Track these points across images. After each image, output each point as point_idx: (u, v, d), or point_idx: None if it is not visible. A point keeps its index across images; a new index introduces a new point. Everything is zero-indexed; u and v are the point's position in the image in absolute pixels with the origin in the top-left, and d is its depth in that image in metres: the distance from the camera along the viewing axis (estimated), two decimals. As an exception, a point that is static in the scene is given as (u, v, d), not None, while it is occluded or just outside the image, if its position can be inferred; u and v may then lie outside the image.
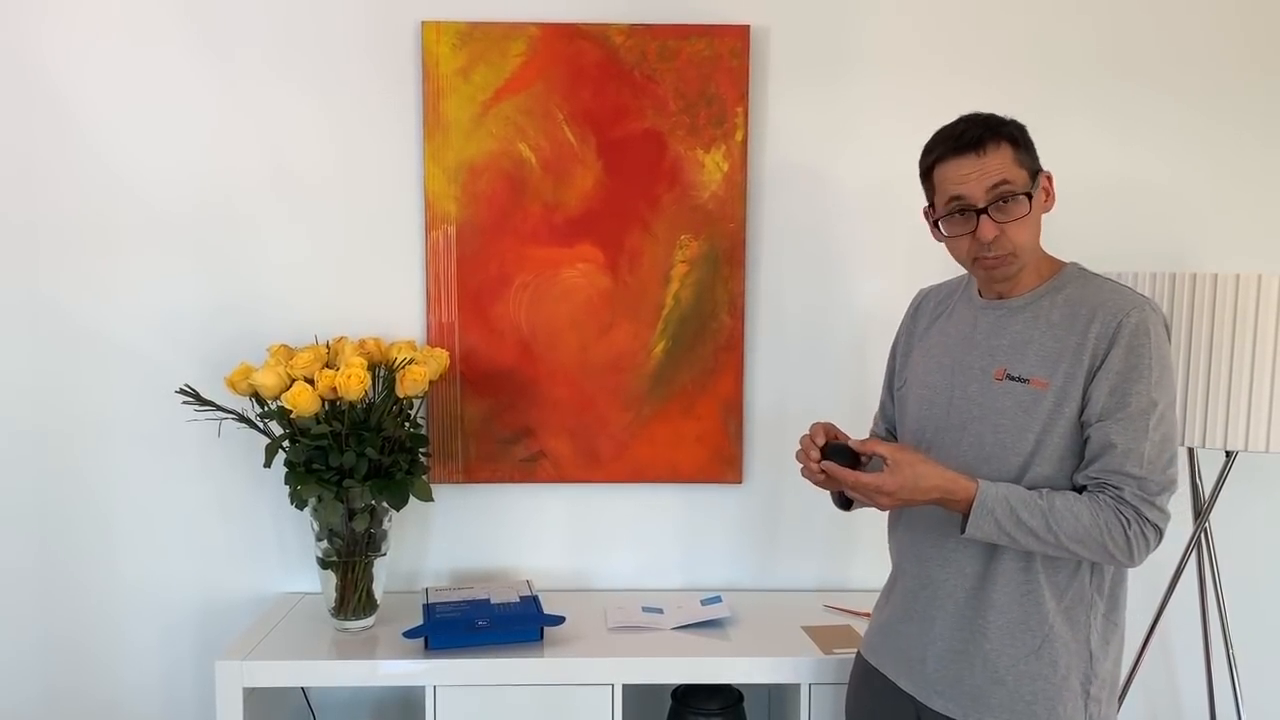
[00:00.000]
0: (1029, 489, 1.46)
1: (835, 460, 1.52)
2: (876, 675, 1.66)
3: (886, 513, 1.67)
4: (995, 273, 1.51)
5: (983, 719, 1.50)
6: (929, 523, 1.58)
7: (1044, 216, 1.52)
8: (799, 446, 1.59)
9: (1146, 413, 1.41)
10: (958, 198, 1.48)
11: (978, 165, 1.45)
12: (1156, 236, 2.22)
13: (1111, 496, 1.43)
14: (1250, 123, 2.22)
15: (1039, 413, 1.47)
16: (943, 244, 1.54)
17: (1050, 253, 1.56)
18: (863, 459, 1.54)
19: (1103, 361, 1.43)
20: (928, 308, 1.72)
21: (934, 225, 1.54)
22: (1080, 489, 1.46)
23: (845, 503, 1.70)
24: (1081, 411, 1.45)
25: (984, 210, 1.46)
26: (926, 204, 1.56)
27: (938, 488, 1.46)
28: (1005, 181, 1.45)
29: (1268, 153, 2.23)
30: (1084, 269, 1.55)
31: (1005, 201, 1.45)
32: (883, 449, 1.49)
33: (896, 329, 2.28)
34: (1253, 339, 1.83)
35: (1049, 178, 1.51)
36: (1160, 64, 2.20)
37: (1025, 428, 1.48)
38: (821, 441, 1.56)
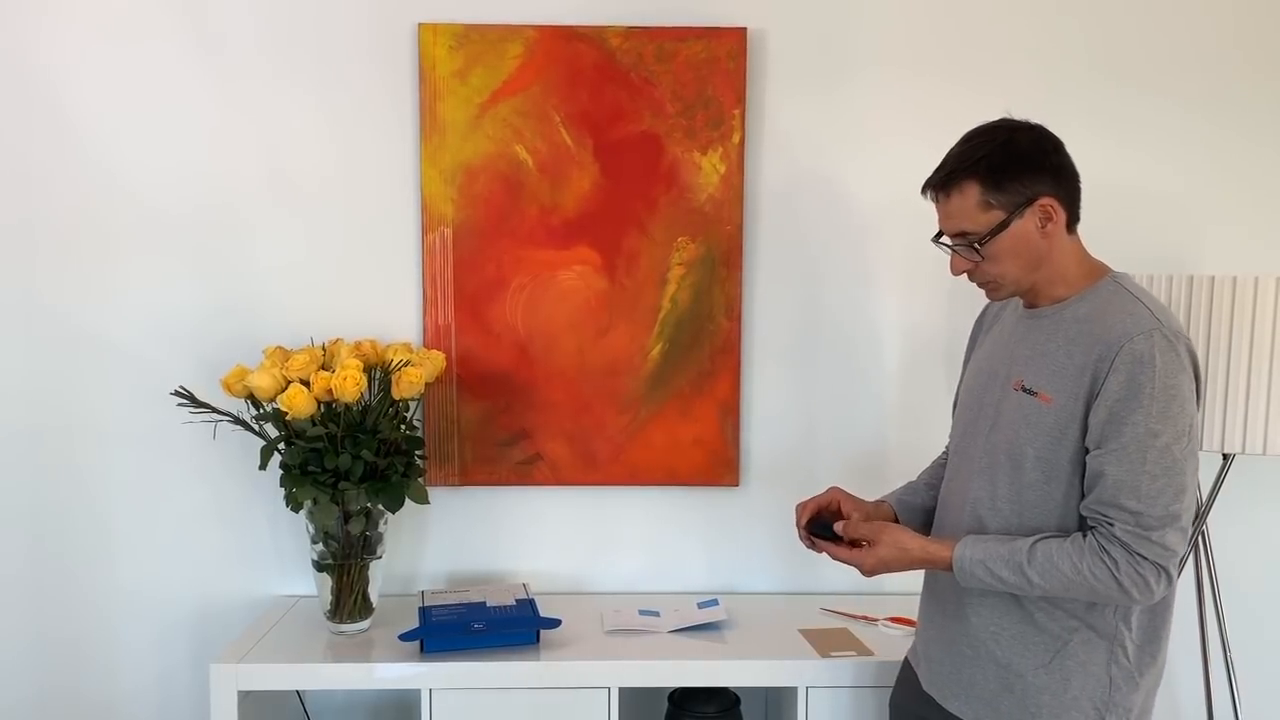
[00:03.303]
0: (1028, 535, 1.43)
1: (821, 535, 1.64)
2: (910, 672, 1.69)
3: None
4: (988, 294, 1.54)
5: None
6: (945, 527, 1.60)
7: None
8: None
9: (1144, 443, 1.35)
10: (941, 230, 1.52)
11: (943, 209, 1.49)
12: (1155, 239, 2.22)
13: (1102, 535, 1.38)
14: (1249, 126, 2.21)
15: (1041, 427, 1.44)
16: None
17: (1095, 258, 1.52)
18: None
19: (1102, 387, 1.38)
20: (990, 314, 1.71)
21: None
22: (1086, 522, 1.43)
23: None
24: (1085, 437, 1.41)
25: (953, 248, 1.50)
26: None
27: (918, 560, 1.53)
28: (962, 232, 1.47)
29: (1267, 156, 2.22)
30: (1120, 283, 1.47)
31: (968, 244, 1.47)
32: (863, 531, 1.57)
33: (894, 330, 2.29)
34: (1250, 341, 1.82)
35: (1049, 206, 1.43)
36: (1161, 68, 2.20)
37: (1028, 441, 1.45)
38: (804, 520, 1.67)
